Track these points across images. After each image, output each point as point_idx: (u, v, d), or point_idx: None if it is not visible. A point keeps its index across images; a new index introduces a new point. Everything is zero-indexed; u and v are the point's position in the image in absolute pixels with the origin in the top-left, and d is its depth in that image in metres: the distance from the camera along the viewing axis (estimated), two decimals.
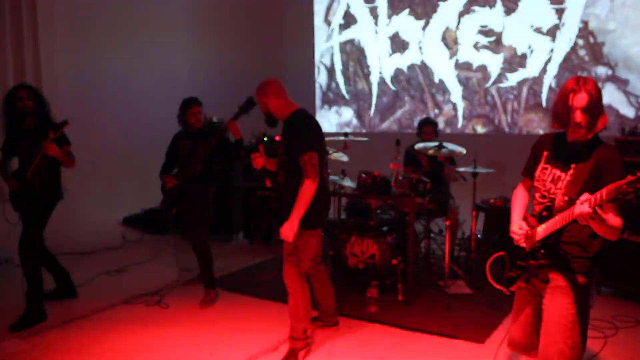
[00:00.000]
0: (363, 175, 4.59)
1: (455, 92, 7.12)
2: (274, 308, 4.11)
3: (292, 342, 3.29)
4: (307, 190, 3.02)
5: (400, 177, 4.44)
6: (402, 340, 3.60)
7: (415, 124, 5.41)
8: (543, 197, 2.27)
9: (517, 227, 2.31)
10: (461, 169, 4.91)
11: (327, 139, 5.22)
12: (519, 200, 2.46)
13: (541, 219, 2.22)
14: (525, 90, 6.64)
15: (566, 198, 2.06)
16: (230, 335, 3.67)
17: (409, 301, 4.15)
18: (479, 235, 4.87)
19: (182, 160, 4.31)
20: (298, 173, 3.06)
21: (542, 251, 2.20)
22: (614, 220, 2.04)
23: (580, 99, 2.07)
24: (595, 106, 2.08)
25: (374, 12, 7.68)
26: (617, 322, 3.76)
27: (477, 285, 4.47)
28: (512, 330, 2.49)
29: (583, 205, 1.92)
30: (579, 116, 2.08)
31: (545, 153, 2.30)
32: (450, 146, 4.64)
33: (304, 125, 3.18)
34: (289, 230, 3.05)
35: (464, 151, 4.66)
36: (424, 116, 6.62)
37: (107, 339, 3.66)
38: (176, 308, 4.19)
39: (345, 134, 5.02)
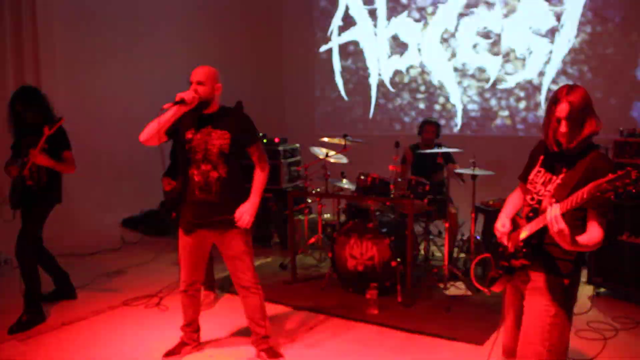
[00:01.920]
0: (362, 176, 4.60)
1: (454, 94, 7.12)
2: (273, 310, 4.10)
3: (268, 341, 3.33)
4: (266, 176, 3.16)
5: (399, 179, 4.45)
6: (401, 342, 3.60)
7: (414, 125, 5.41)
8: (532, 199, 2.29)
9: (500, 224, 2.35)
10: (460, 171, 4.91)
11: (326, 140, 5.27)
12: (511, 202, 2.51)
13: (528, 220, 2.24)
14: (524, 92, 6.65)
15: (553, 200, 2.06)
16: (230, 337, 3.66)
17: (408, 303, 4.15)
18: (478, 237, 4.87)
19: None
20: (237, 166, 3.10)
21: (524, 250, 2.21)
22: (588, 238, 2.05)
23: (561, 110, 2.11)
24: (578, 114, 2.10)
25: (373, 14, 7.69)
26: (616, 324, 3.77)
27: (476, 286, 4.47)
28: (503, 336, 2.51)
29: (554, 209, 1.93)
30: (563, 126, 2.12)
31: (541, 157, 2.33)
32: (445, 149, 4.68)
33: (249, 117, 3.20)
34: (250, 215, 3.08)
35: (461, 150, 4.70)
36: (423, 118, 6.62)
37: (106, 340, 3.66)
38: (176, 310, 4.17)
39: (345, 136, 5.03)
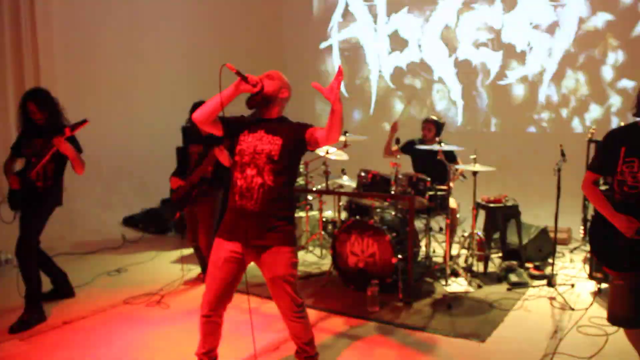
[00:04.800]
0: (363, 173, 4.59)
1: (455, 90, 7.11)
2: (274, 307, 4.08)
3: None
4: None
5: (400, 176, 4.44)
6: (402, 338, 3.59)
7: (415, 122, 5.39)
8: (634, 187, 2.45)
9: (628, 222, 2.50)
10: (461, 167, 4.90)
11: None
12: (602, 197, 2.64)
13: None
14: (524, 87, 6.63)
15: None
16: (231, 335, 3.66)
17: (409, 300, 4.14)
18: (479, 233, 4.86)
19: (193, 163, 4.34)
20: (286, 177, 2.78)
21: None
22: None
23: None
24: None
25: (372, 10, 7.67)
26: None
27: (477, 283, 4.47)
28: (620, 309, 2.72)
29: None
30: None
31: (623, 148, 2.47)
32: (446, 147, 4.66)
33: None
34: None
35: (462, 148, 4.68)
36: (423, 115, 6.61)
37: (108, 339, 3.66)
38: (177, 308, 4.18)
39: (345, 133, 5.01)
